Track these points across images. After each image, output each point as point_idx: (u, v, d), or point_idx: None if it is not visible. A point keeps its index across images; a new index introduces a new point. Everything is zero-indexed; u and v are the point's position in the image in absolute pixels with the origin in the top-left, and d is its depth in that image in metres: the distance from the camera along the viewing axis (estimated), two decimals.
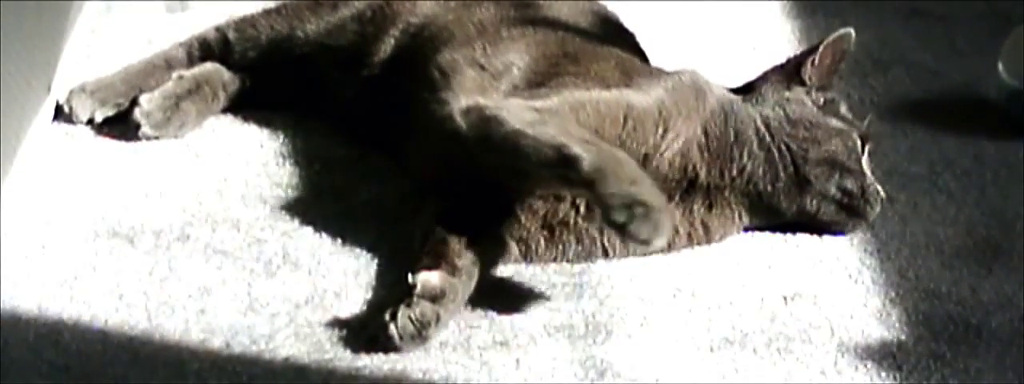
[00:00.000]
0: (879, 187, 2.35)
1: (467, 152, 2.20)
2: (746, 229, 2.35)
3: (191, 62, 2.62)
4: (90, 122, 2.54)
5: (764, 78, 2.42)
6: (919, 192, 2.47)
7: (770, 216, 2.34)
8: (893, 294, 2.24)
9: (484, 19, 2.47)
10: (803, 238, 2.36)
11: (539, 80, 2.33)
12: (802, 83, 2.39)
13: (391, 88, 2.47)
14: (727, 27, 3.06)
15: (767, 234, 2.35)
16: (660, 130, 2.25)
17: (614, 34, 2.54)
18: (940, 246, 2.36)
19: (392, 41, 2.50)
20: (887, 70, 2.92)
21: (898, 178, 2.52)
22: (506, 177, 2.20)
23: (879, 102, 2.77)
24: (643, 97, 2.26)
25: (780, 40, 3.01)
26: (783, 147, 2.31)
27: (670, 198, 2.26)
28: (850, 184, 2.33)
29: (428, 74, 2.38)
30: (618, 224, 2.03)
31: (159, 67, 2.60)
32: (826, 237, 2.37)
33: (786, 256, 2.32)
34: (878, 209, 2.35)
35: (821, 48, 2.40)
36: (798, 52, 2.47)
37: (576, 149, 2.08)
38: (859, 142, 2.35)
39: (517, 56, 2.37)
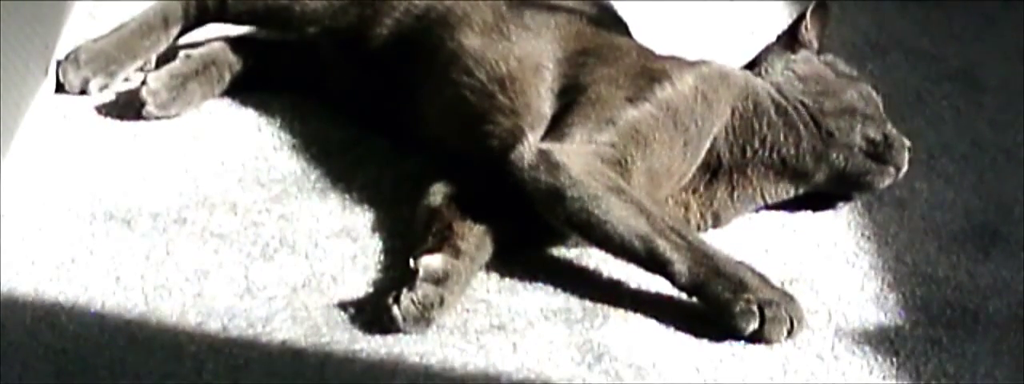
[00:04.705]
0: (903, 137, 2.35)
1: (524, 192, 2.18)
2: (768, 206, 2.35)
3: (187, 19, 2.60)
4: (83, 93, 2.53)
5: (767, 51, 2.43)
6: (917, 177, 2.47)
7: (797, 183, 2.33)
8: (890, 279, 2.24)
9: (494, 2, 2.45)
10: (801, 222, 2.37)
11: (571, 82, 2.30)
12: (804, 46, 2.41)
13: (395, 69, 2.45)
14: (725, 11, 3.06)
15: (764, 218, 2.35)
16: (703, 141, 2.26)
17: (613, 21, 2.52)
18: (937, 231, 2.37)
19: (393, 22, 2.48)
20: (885, 55, 2.92)
21: None
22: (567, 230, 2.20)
23: (877, 86, 2.76)
24: (686, 106, 2.25)
25: (778, 23, 2.99)
26: (799, 106, 2.31)
27: (694, 190, 2.27)
28: (873, 132, 2.32)
29: (447, 57, 2.36)
30: (749, 334, 2.05)
31: (155, 27, 2.58)
32: (824, 221, 2.37)
33: (784, 241, 2.32)
34: (907, 156, 2.34)
35: (808, 14, 2.42)
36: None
37: (667, 252, 2.08)
38: (874, 92, 2.36)
39: (544, 53, 2.35)
